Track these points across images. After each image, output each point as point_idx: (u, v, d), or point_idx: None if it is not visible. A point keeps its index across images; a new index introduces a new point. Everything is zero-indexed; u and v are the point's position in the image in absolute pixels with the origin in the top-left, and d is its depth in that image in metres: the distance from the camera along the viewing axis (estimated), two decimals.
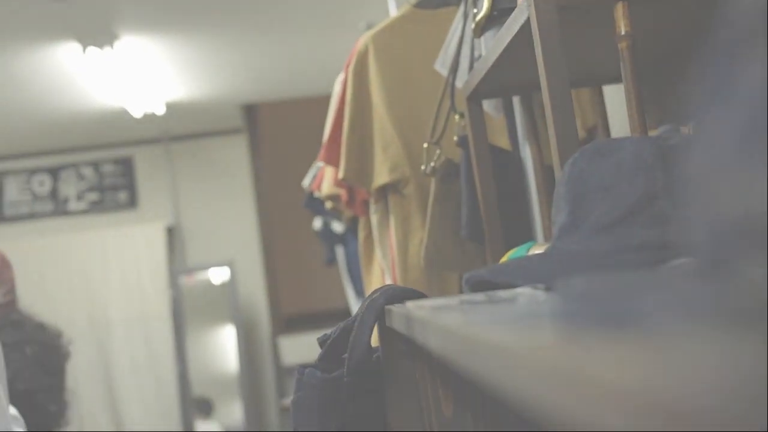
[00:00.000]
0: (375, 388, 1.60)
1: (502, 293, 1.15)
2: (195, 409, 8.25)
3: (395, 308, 1.32)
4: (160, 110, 7.62)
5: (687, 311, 0.46)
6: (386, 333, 1.59)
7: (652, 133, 1.58)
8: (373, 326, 1.55)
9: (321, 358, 1.63)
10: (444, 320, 0.77)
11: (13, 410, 2.72)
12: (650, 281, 0.77)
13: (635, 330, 0.40)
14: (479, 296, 1.10)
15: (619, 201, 1.20)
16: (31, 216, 8.59)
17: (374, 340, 1.59)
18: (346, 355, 1.58)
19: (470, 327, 0.62)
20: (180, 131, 8.47)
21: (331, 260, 4.93)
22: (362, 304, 1.59)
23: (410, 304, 1.16)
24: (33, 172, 8.61)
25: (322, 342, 1.65)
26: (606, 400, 0.28)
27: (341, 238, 4.69)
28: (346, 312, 4.69)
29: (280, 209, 7.88)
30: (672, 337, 0.34)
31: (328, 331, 1.67)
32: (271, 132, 8.09)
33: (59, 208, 8.63)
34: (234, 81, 7.39)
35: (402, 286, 1.82)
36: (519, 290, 1.17)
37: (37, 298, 7.93)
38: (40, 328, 3.23)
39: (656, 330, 0.39)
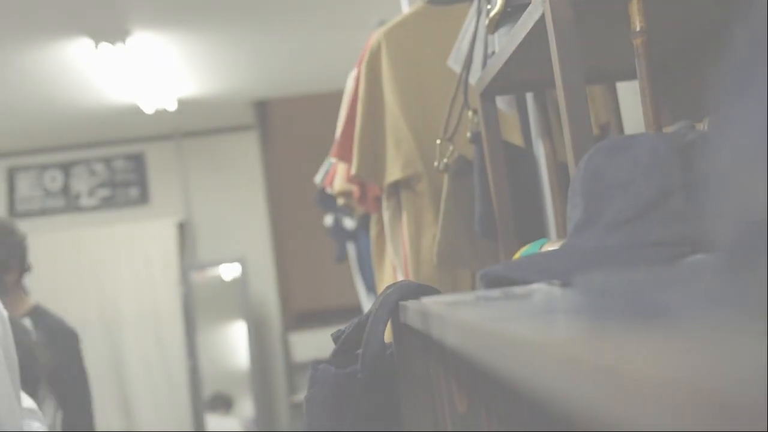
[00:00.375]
0: (389, 384, 1.60)
1: (518, 289, 1.15)
2: (214, 404, 8.26)
3: (410, 304, 1.32)
4: (172, 106, 7.63)
5: (712, 305, 0.46)
6: (400, 329, 1.59)
7: (667, 131, 1.58)
8: (387, 322, 1.55)
9: (335, 353, 1.63)
10: (462, 315, 0.76)
11: (30, 402, 2.72)
12: (671, 276, 0.77)
13: (661, 323, 0.40)
14: (495, 292, 1.10)
15: (635, 197, 1.20)
16: (43, 212, 8.60)
17: (387, 336, 1.59)
18: (360, 350, 1.58)
19: (490, 322, 0.62)
20: (191, 127, 8.48)
21: (342, 257, 4.93)
22: (376, 300, 1.59)
23: (426, 300, 1.16)
24: (45, 167, 8.63)
25: (336, 338, 1.65)
26: (641, 394, 0.28)
27: (352, 235, 4.69)
28: (357, 309, 4.69)
29: (292, 206, 7.88)
30: (701, 330, 0.34)
31: (341, 327, 1.67)
32: (282, 128, 8.10)
33: (71, 203, 8.64)
34: (245, 77, 7.39)
35: (415, 282, 1.82)
36: (534, 286, 1.16)
37: (48, 294, 7.96)
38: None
39: (683, 323, 0.39)
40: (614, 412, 0.30)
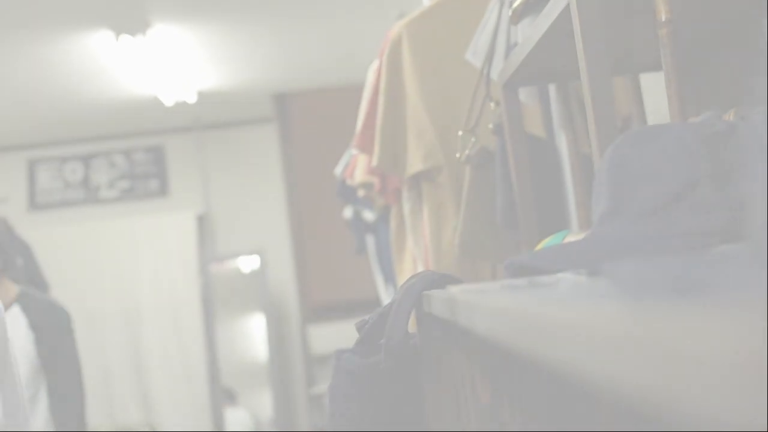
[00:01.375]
0: (412, 374, 1.60)
1: (544, 278, 1.15)
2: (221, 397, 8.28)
3: (435, 293, 1.32)
4: (192, 99, 7.65)
5: (744, 288, 0.46)
6: (424, 319, 1.59)
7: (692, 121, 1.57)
8: (411, 312, 1.55)
9: (358, 343, 1.63)
10: (493, 301, 0.76)
11: None
12: (701, 264, 0.76)
13: (700, 303, 0.40)
14: (521, 281, 1.10)
15: (662, 187, 1.20)
16: (63, 203, 8.63)
17: (411, 326, 1.59)
18: (383, 340, 1.58)
19: (525, 305, 0.62)
20: (211, 120, 8.50)
21: (361, 249, 4.93)
22: (399, 290, 1.59)
23: (453, 288, 1.16)
24: (65, 159, 8.66)
25: (359, 327, 1.65)
26: (698, 372, 0.28)
27: (372, 227, 4.69)
28: (376, 301, 4.68)
29: (311, 198, 7.88)
30: (742, 308, 0.34)
31: (360, 318, 1.67)
32: (301, 121, 8.10)
33: (91, 195, 8.67)
34: (265, 70, 7.40)
35: (439, 272, 1.82)
36: (560, 275, 1.16)
37: (68, 286, 7.99)
38: None
39: (721, 303, 0.39)
40: (669, 391, 0.30)
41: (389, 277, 4.41)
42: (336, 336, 7.20)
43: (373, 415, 1.60)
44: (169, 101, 7.59)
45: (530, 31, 1.92)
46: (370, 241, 4.76)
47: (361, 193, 3.66)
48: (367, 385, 1.59)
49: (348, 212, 4.83)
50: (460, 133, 2.60)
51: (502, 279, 1.64)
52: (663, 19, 1.55)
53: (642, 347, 0.32)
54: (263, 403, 8.39)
